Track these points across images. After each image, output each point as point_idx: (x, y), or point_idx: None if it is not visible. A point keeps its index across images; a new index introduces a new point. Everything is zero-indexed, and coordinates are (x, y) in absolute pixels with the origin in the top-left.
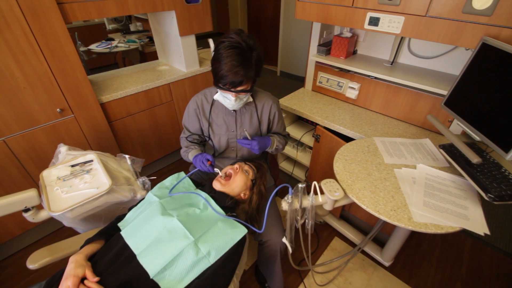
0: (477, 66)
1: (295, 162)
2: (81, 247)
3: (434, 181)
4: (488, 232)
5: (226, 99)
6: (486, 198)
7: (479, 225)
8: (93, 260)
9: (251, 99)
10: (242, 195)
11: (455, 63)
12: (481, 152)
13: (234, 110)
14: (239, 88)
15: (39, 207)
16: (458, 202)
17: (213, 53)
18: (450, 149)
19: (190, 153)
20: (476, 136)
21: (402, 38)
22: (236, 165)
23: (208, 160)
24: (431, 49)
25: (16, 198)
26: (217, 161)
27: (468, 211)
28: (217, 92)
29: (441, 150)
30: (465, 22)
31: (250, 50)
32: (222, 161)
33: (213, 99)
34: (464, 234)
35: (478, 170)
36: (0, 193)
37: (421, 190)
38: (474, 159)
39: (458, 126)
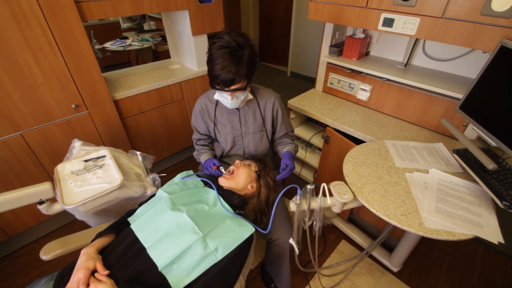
0: (495, 69)
1: (303, 163)
2: (92, 240)
3: (447, 186)
4: (502, 241)
5: (224, 98)
6: (501, 205)
7: (493, 233)
8: (103, 253)
9: (250, 96)
10: (249, 187)
11: (472, 66)
12: (496, 158)
13: (237, 109)
14: (233, 87)
15: (53, 200)
16: (471, 209)
17: (207, 55)
18: (464, 154)
19: (201, 157)
20: (492, 142)
21: (416, 39)
22: (237, 161)
23: (214, 164)
24: (447, 51)
25: (31, 190)
26: (226, 159)
27: (482, 218)
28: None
29: (455, 155)
30: (483, 24)
31: (240, 49)
32: (232, 158)
33: (217, 100)
34: (477, 242)
35: (493, 177)
36: (16, 185)
37: (433, 196)
38: (490, 165)
39: (473, 130)
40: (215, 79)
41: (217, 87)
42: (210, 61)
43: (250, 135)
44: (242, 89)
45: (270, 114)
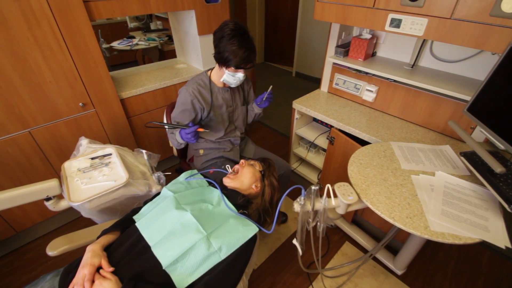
0: (504, 71)
1: (302, 161)
2: (98, 237)
3: (453, 189)
4: (509, 245)
5: (235, 77)
6: (509, 209)
7: (500, 237)
8: (109, 251)
9: None
10: (253, 187)
11: (480, 68)
12: (505, 161)
13: (229, 88)
14: (248, 66)
15: (60, 196)
16: (478, 212)
17: (218, 43)
18: (471, 157)
19: (178, 133)
20: (500, 145)
21: (424, 40)
22: (242, 161)
23: (188, 126)
24: (455, 53)
25: (39, 187)
26: (222, 138)
27: (489, 222)
28: (208, 77)
29: (462, 158)
30: (492, 25)
31: (248, 33)
32: (229, 135)
33: (210, 85)
34: (483, 246)
35: (501, 180)
36: (24, 181)
37: (439, 198)
38: (498, 168)
39: (480, 133)
40: (241, 60)
41: (240, 67)
42: (228, 49)
43: (239, 109)
44: (254, 65)
45: (246, 89)
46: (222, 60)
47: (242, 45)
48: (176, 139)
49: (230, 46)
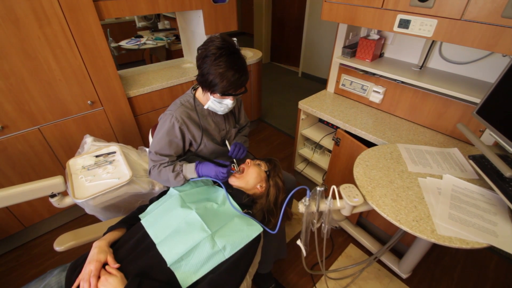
0: None
1: (307, 162)
2: (104, 234)
3: (461, 193)
4: None
5: (222, 104)
6: None
7: (508, 242)
8: (114, 247)
9: None
10: (258, 187)
11: (490, 69)
12: None
13: None
14: (239, 91)
15: (65, 193)
16: (486, 217)
17: (202, 64)
18: (480, 161)
19: (185, 169)
20: (510, 148)
21: (433, 42)
22: (248, 160)
23: (225, 165)
24: (464, 54)
25: (44, 184)
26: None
27: (497, 227)
28: (193, 98)
29: (471, 161)
30: (504, 27)
31: (239, 52)
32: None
33: (196, 107)
34: (490, 251)
35: (511, 185)
36: (32, 177)
37: (446, 202)
38: (507, 172)
39: (490, 136)
40: (229, 85)
41: (228, 93)
42: (214, 67)
43: (231, 132)
44: (245, 91)
45: (237, 107)
46: (206, 84)
47: (231, 67)
48: (183, 176)
49: (215, 68)
